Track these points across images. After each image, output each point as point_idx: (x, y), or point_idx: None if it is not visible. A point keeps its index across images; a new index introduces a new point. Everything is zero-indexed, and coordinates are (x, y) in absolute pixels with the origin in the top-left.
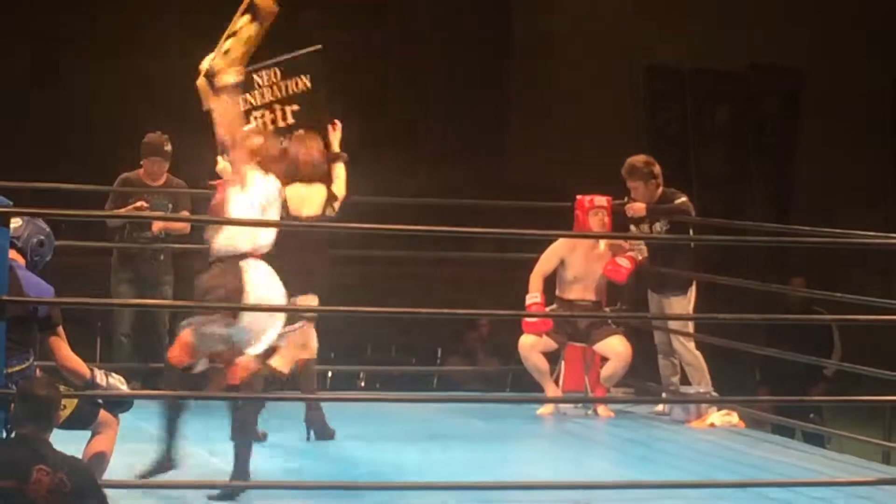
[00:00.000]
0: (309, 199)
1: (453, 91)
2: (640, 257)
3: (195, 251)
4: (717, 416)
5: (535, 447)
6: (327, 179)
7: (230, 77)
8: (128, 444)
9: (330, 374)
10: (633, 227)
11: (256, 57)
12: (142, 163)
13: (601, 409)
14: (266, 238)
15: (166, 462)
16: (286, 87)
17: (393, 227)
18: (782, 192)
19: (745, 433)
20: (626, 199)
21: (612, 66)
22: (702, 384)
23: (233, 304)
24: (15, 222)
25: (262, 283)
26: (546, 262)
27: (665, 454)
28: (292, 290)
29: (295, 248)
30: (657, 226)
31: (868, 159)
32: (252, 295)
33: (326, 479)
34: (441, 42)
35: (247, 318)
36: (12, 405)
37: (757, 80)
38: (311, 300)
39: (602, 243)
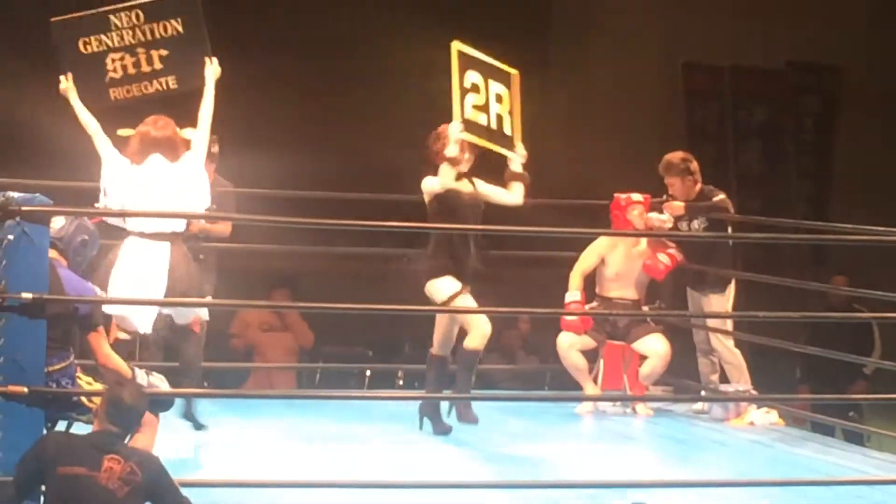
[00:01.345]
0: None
1: None
2: (679, 256)
3: (236, 251)
4: (756, 415)
5: (574, 446)
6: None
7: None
8: (166, 442)
9: (368, 372)
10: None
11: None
12: None
13: (640, 407)
14: (139, 222)
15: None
16: (151, 30)
17: (427, 226)
18: (821, 189)
19: (785, 431)
20: (664, 196)
21: (650, 64)
22: (741, 382)
23: (292, 304)
24: (56, 222)
25: (126, 265)
26: (586, 261)
27: (704, 452)
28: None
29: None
30: (695, 223)
31: None
32: (115, 272)
33: (365, 475)
34: (476, 40)
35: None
36: (102, 405)
37: (796, 77)
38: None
39: (643, 241)
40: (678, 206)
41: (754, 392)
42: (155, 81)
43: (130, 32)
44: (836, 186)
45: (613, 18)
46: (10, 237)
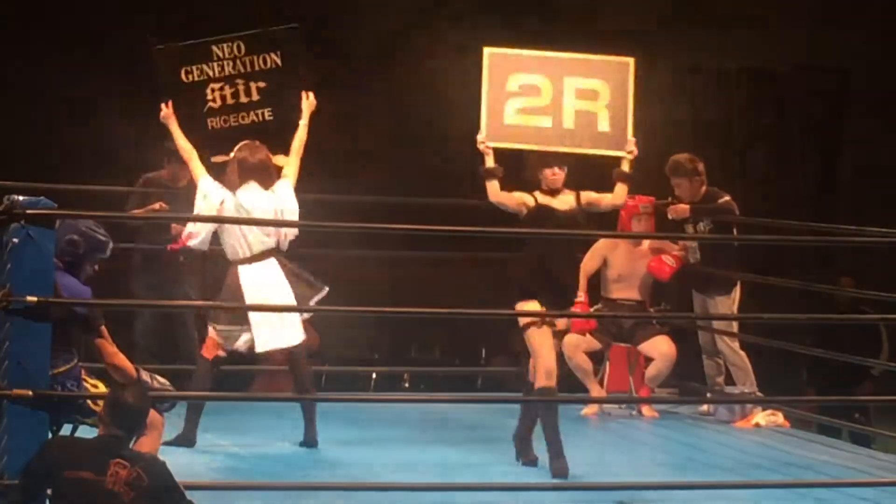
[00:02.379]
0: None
1: None
2: (691, 259)
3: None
4: (762, 417)
5: (580, 448)
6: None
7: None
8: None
9: (374, 375)
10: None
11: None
12: (165, 166)
13: (646, 409)
14: (239, 251)
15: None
16: (251, 62)
17: (433, 228)
18: (828, 191)
19: (791, 433)
20: (669, 198)
21: (657, 67)
22: (746, 384)
23: (298, 307)
24: None
25: (254, 289)
26: (589, 262)
27: (710, 454)
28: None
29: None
30: (701, 225)
31: None
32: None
33: (368, 478)
34: (483, 42)
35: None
36: (105, 408)
37: (803, 80)
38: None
39: (645, 242)
40: (682, 208)
41: (760, 394)
42: (252, 113)
43: (231, 63)
44: (843, 188)
45: (621, 21)
46: (15, 240)
